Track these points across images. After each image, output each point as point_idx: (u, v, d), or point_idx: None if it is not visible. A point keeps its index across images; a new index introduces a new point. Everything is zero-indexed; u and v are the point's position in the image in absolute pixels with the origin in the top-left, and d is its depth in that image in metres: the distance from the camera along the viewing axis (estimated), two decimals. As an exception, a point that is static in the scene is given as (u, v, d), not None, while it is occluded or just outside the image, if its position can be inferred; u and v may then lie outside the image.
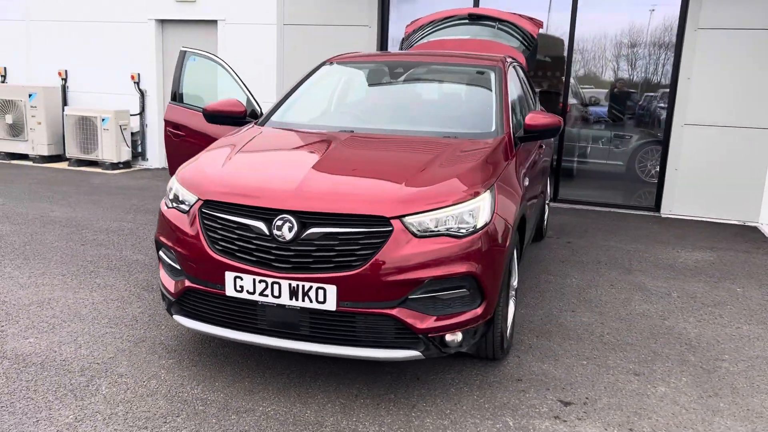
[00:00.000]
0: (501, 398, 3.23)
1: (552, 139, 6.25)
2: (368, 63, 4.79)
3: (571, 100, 9.15)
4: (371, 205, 2.97)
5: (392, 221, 2.95)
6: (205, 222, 3.15)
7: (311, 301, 2.95)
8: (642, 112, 8.75)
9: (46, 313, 4.08)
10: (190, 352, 3.62)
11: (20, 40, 10.61)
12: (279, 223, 2.97)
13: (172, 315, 3.35)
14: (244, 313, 3.09)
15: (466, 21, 6.77)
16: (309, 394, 3.21)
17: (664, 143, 7.90)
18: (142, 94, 9.95)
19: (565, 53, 9.22)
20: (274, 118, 4.28)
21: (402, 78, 4.63)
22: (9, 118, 10.02)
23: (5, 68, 10.76)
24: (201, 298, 3.19)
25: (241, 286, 3.02)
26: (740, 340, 4.07)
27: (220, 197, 3.15)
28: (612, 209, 7.97)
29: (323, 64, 4.78)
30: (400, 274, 2.91)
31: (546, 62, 9.21)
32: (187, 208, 3.24)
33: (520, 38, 6.61)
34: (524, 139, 4.09)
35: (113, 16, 9.90)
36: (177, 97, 5.20)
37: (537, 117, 4.04)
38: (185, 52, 5.26)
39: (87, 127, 9.58)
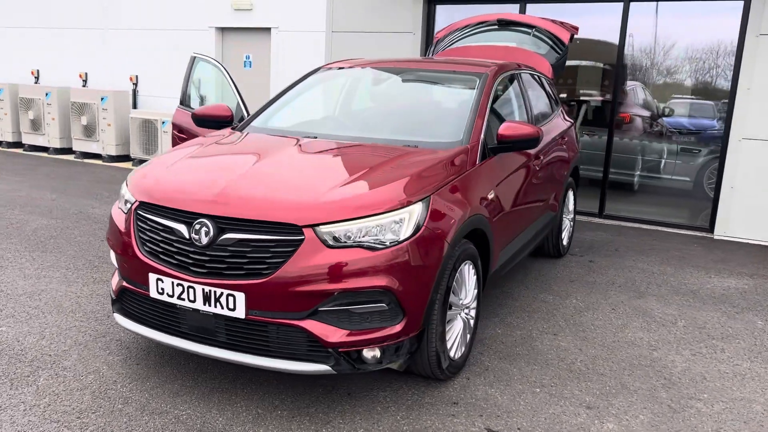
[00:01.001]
0: (425, 421, 3.06)
1: (575, 151, 5.91)
2: (358, 69, 4.71)
3: (639, 111, 8.67)
4: (284, 213, 2.91)
5: (304, 230, 2.87)
6: (138, 223, 3.20)
7: (222, 308, 2.92)
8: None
9: (31, 304, 4.30)
10: (141, 351, 3.68)
11: (99, 47, 11.33)
12: (197, 227, 2.97)
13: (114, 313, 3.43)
14: (168, 316, 3.11)
15: (496, 27, 6.55)
16: (230, 401, 3.18)
17: (720, 159, 7.29)
18: (202, 99, 10.34)
19: (620, 60, 8.78)
20: (254, 123, 4.31)
21: (385, 85, 4.53)
22: (84, 120, 10.71)
23: (86, 73, 11.52)
24: (134, 298, 3.24)
25: (162, 289, 3.04)
26: (731, 378, 3.66)
27: (151, 199, 3.19)
28: (662, 228, 7.44)
29: (316, 70, 4.76)
30: (307, 284, 2.83)
31: (604, 70, 8.78)
32: (126, 209, 3.31)
33: (551, 43, 6.31)
34: (498, 149, 3.88)
35: (178, 25, 10.37)
36: (185, 101, 5.35)
37: (511, 127, 3.83)
38: (194, 57, 5.41)
39: (149, 129, 10.07)
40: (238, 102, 5.03)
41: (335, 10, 9.02)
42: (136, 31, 10.87)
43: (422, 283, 3.01)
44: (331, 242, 2.87)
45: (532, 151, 4.57)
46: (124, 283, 3.25)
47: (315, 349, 2.90)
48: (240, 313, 2.90)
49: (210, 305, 2.94)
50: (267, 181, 3.20)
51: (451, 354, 3.40)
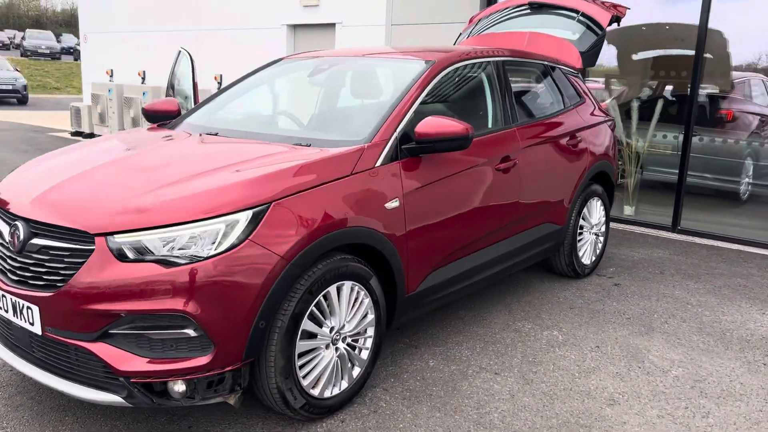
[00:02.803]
0: (243, 471, 2.58)
1: (603, 153, 5.00)
2: (307, 61, 4.25)
3: (748, 107, 7.41)
4: (79, 218, 2.57)
5: (96, 239, 2.51)
6: None
7: (25, 321, 2.65)
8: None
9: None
10: None
11: (192, 48, 11.73)
12: (13, 230, 2.72)
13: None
14: (2, 326, 2.90)
15: (528, 11, 5.76)
16: (62, 422, 2.90)
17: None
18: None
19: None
20: (188, 118, 4.00)
21: (324, 77, 4.04)
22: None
23: None
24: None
25: (-11, 296, 2.83)
26: (689, 456, 2.77)
27: None
28: (748, 248, 6.17)
29: (273, 62, 4.37)
30: (93, 302, 2.47)
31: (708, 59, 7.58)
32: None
33: (587, 28, 5.42)
34: (417, 150, 3.27)
35: (255, 23, 10.47)
36: (168, 94, 5.21)
37: (431, 124, 3.21)
38: (179, 52, 5.25)
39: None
40: (188, 96, 4.78)
41: (394, 3, 8.61)
42: (222, 31, 11.12)
43: (238, 308, 2.53)
44: (129, 254, 2.49)
45: (497, 153, 3.85)
46: None
47: (110, 376, 2.53)
48: (37, 328, 2.60)
49: (17, 317, 2.68)
50: (99, 182, 2.88)
51: (315, 392, 2.87)
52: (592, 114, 5.02)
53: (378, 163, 3.12)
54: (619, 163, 8.18)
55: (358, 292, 3.02)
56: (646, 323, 4.20)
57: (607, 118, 5.21)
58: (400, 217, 3.17)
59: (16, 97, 22.31)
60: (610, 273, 5.23)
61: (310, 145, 3.17)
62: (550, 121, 4.48)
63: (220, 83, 11.19)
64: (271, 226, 2.61)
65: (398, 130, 3.27)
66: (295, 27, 10.02)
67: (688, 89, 6.63)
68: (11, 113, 18.17)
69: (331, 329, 2.92)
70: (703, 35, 6.41)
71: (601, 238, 5.21)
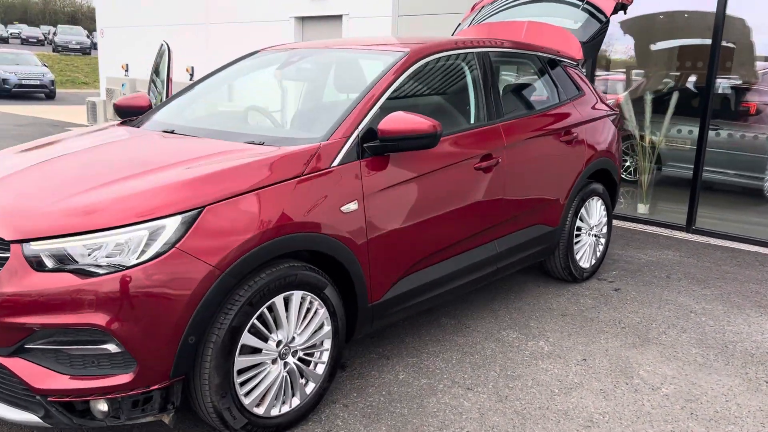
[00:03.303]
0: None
1: (606, 149, 4.69)
2: (281, 54, 4.02)
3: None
4: (-4, 224, 2.39)
5: (12, 246, 2.33)
6: None
7: (-55, 334, 2.49)
8: None
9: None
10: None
11: (202, 42, 11.65)
12: None
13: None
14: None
15: (526, 0, 5.46)
16: (-7, 438, 2.75)
17: None
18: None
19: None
20: (156, 115, 3.81)
21: (291, 71, 3.82)
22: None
23: (192, 67, 11.92)
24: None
25: None
26: (667, 489, 2.50)
27: None
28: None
29: (249, 54, 4.16)
30: (3, 315, 2.29)
31: (729, 48, 7.19)
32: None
33: (591, 16, 5.10)
34: (381, 149, 3.03)
35: (263, 16, 10.30)
36: (152, 89, 5.06)
37: (395, 120, 2.97)
38: (161, 45, 5.09)
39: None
40: (160, 91, 4.61)
41: (401, -7, 8.33)
42: (231, 24, 10.99)
43: (163, 323, 2.34)
44: (48, 263, 2.31)
45: (477, 151, 3.59)
46: None
47: (28, 394, 2.36)
48: (-46, 341, 2.44)
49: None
50: (27, 184, 2.70)
51: (259, 411, 2.67)
52: (592, 108, 4.71)
53: (335, 163, 2.90)
54: (633, 159, 7.81)
55: (311, 303, 2.81)
56: (642, 334, 3.91)
57: (609, 112, 4.89)
58: (360, 221, 2.94)
59: (44, 92, 22.59)
60: (612, 277, 4.93)
61: (263, 144, 2.96)
62: (541, 116, 4.19)
63: (191, 75, 11.04)
64: (203, 233, 2.41)
65: (361, 127, 3.04)
66: (303, 19, 9.83)
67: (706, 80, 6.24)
68: (36, 107, 18.38)
69: (278, 343, 2.70)
70: (720, 23, 6.02)
71: (603, 240, 4.90)
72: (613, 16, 5.20)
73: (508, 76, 4.42)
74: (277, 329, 2.69)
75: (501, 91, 4.05)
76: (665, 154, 7.67)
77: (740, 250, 5.78)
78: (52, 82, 22.89)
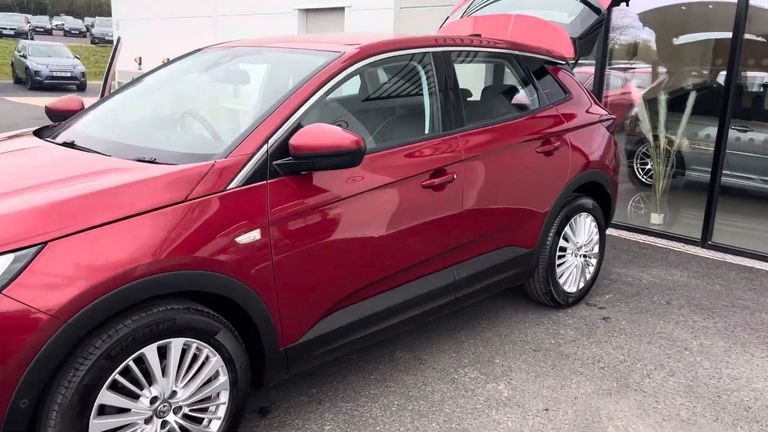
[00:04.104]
0: None
1: (597, 159, 4.15)
2: (220, 52, 3.60)
3: None
4: None
5: None
6: None
7: None
8: None
9: None
10: None
11: (210, 34, 11.34)
12: None
13: None
14: None
15: (521, -11, 4.93)
16: None
17: None
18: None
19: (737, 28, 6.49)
20: (74, 122, 3.40)
21: (218, 72, 3.39)
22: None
23: (140, 58, 11.63)
24: None
25: None
26: None
27: None
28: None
29: (193, 52, 3.75)
30: None
31: (757, 42, 6.57)
32: None
33: (591, 7, 4.55)
34: (295, 167, 2.60)
35: (268, 8, 9.93)
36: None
37: (310, 134, 2.54)
38: (119, 38, 4.75)
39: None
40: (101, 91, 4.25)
41: (403, -16, 7.84)
42: (237, 17, 10.67)
43: (-13, 382, 1.95)
44: None
45: (426, 167, 3.12)
46: None
47: None
48: None
49: None
50: None
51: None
52: (582, 112, 4.17)
53: (232, 185, 2.47)
54: (645, 164, 7.21)
55: (198, 350, 2.40)
56: (622, 377, 3.39)
57: (604, 117, 4.34)
58: (264, 254, 2.51)
59: (75, 84, 22.76)
60: (604, 302, 4.39)
61: (154, 161, 2.55)
62: (514, 124, 3.68)
63: (140, 64, 10.71)
64: (42, 274, 2.01)
65: (271, 142, 2.61)
66: (307, 11, 9.42)
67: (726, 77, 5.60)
68: (59, 100, 18.39)
69: (153, 399, 2.30)
70: (742, 14, 5.37)
71: (593, 260, 4.37)
72: (614, 7, 4.63)
73: (479, 79, 3.92)
74: (151, 384, 2.29)
75: (464, 97, 3.56)
76: (684, 158, 7.04)
77: (759, 270, 5.16)
78: (83, 74, 23.04)
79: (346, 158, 2.55)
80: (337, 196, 2.76)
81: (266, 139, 2.60)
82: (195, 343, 2.37)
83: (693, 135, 6.86)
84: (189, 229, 2.31)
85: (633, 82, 7.71)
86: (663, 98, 6.22)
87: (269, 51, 3.38)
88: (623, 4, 4.72)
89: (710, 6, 6.68)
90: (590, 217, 4.24)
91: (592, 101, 4.37)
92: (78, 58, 24.43)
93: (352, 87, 3.47)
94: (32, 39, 35.27)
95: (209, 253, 2.35)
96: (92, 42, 38.80)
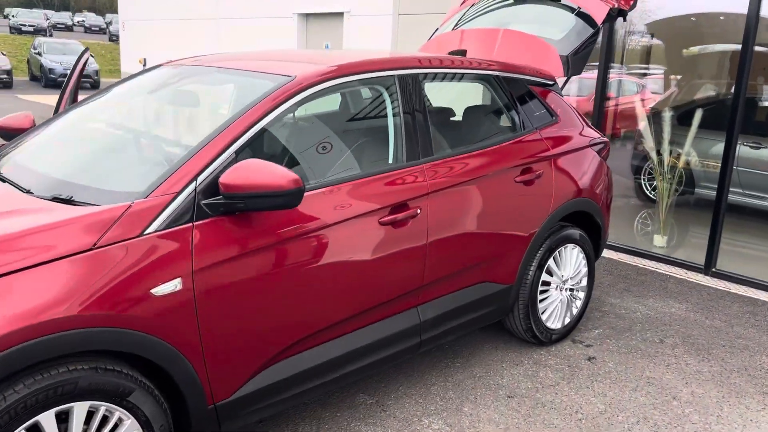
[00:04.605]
0: None
1: (588, 188, 3.86)
2: (176, 69, 3.35)
3: None
4: None
5: None
6: None
7: None
8: None
9: None
10: None
11: (212, 37, 11.17)
12: None
13: None
14: None
15: (512, 2, 4.64)
16: None
17: None
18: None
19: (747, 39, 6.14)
20: (10, 148, 3.15)
21: (163, 95, 3.15)
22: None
23: (145, 59, 11.47)
24: None
25: None
26: None
27: None
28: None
29: (153, 68, 3.51)
30: None
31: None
32: None
33: (586, 22, 4.26)
34: (227, 208, 2.35)
35: (268, 13, 9.76)
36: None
37: (242, 172, 2.29)
38: (86, 49, 4.54)
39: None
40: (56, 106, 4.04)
41: (401, -10, 7.59)
42: (238, 20, 10.49)
43: None
44: None
45: (385, 201, 2.85)
46: None
47: None
48: None
49: None
50: None
51: None
52: (569, 137, 3.88)
53: (151, 229, 2.23)
54: (653, 179, 6.89)
55: (109, 412, 2.16)
56: (598, 429, 3.10)
57: (594, 141, 4.05)
58: (186, 305, 2.27)
59: (89, 82, 22.73)
60: (592, 338, 4.10)
61: (71, 198, 2.32)
62: (489, 151, 3.40)
63: (144, 66, 10.54)
64: None
65: (201, 179, 2.36)
66: (307, 16, 9.21)
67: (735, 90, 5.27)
68: (69, 100, 18.37)
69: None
70: (752, 25, 5.03)
71: (581, 294, 4.08)
72: (610, 23, 4.33)
73: (461, 101, 3.65)
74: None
75: (442, 121, 3.29)
76: (693, 175, 6.70)
77: (764, 303, 4.82)
78: (96, 72, 23.05)
79: (281, 199, 2.30)
80: (279, 238, 2.51)
81: (195, 176, 2.35)
82: (104, 406, 2.14)
83: (701, 151, 6.52)
84: (94, 281, 2.07)
85: (637, 96, 7.37)
86: (668, 114, 5.90)
87: (218, 72, 3.13)
88: (621, 18, 4.41)
89: (722, 18, 6.33)
90: (577, 249, 3.95)
91: (583, 123, 4.07)
92: (92, 56, 24.46)
93: (308, 112, 3.21)
94: (51, 36, 35.53)
95: (118, 307, 2.10)
96: (110, 39, 38.99)
